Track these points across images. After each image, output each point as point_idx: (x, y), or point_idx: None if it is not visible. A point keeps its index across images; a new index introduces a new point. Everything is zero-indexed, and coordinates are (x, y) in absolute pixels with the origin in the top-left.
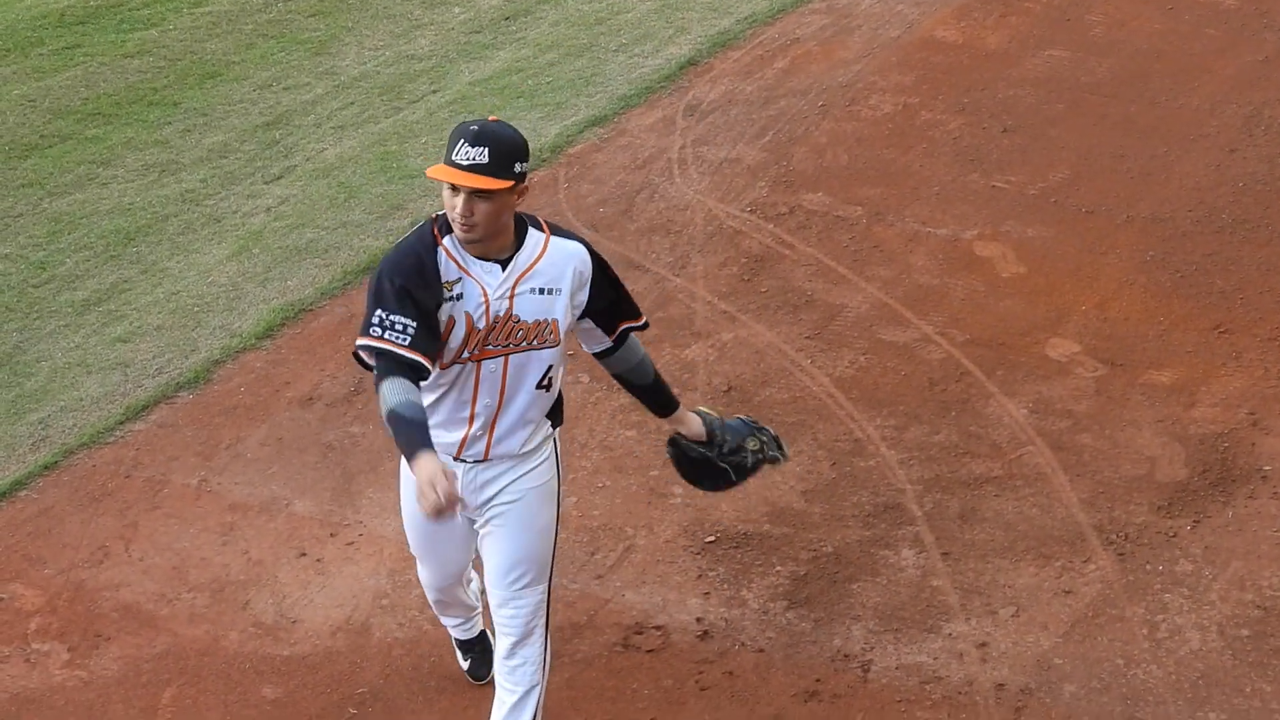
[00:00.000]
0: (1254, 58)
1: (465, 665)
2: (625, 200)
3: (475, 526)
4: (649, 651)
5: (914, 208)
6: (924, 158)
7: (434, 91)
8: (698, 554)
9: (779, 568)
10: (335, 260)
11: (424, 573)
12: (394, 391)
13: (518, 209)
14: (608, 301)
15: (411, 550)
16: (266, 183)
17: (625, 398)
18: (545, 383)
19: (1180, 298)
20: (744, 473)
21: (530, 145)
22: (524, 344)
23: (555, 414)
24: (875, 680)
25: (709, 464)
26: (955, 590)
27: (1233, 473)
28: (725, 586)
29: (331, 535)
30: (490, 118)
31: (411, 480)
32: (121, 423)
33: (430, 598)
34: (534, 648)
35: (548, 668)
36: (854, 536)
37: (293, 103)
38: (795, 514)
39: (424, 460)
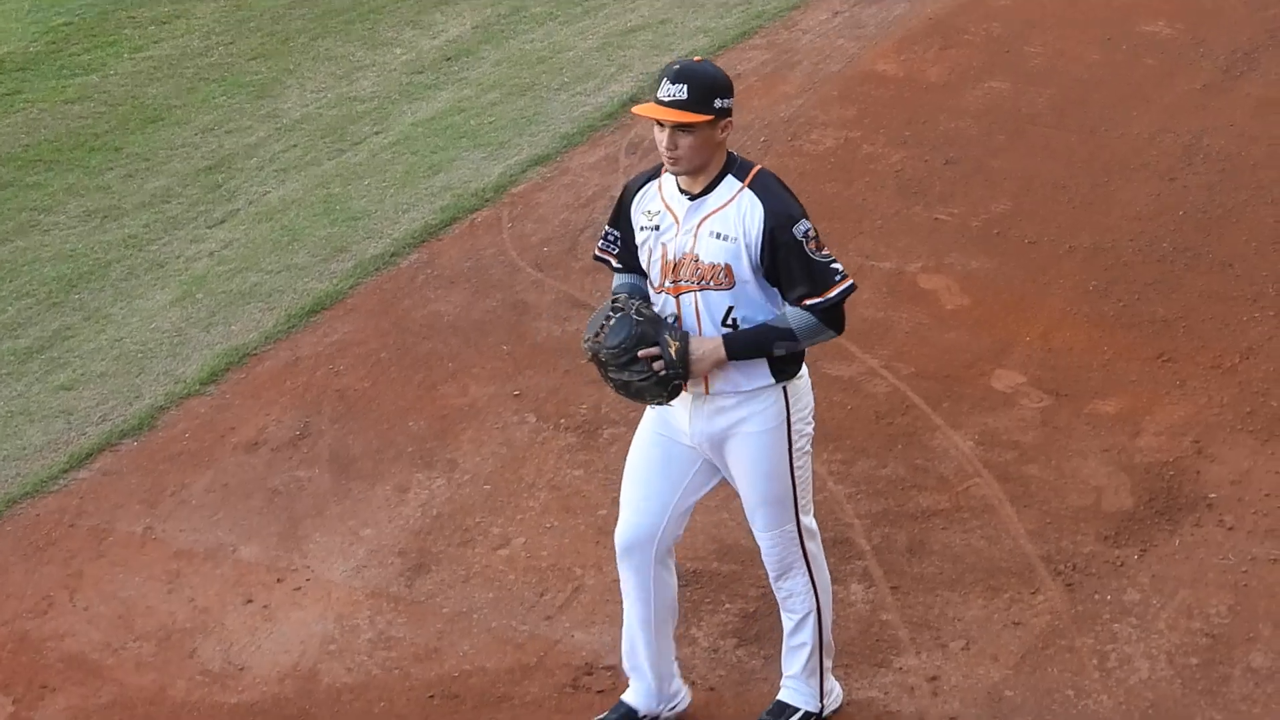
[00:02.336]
0: (1191, 86)
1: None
2: (569, 239)
3: (721, 469)
4: (599, 692)
5: (857, 241)
6: (867, 191)
7: (377, 133)
8: None
9: (728, 605)
10: (279, 304)
11: (618, 523)
12: (615, 283)
13: (728, 146)
14: (780, 270)
15: (621, 495)
16: (209, 227)
17: (573, 437)
18: (730, 322)
19: (1123, 327)
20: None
21: (472, 186)
22: (705, 283)
23: (778, 368)
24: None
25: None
26: (905, 624)
27: (1179, 501)
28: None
29: (278, 581)
30: (695, 58)
31: (650, 411)
32: (65, 471)
33: (621, 578)
34: (796, 580)
35: (821, 595)
36: None
37: (235, 146)
38: (743, 551)
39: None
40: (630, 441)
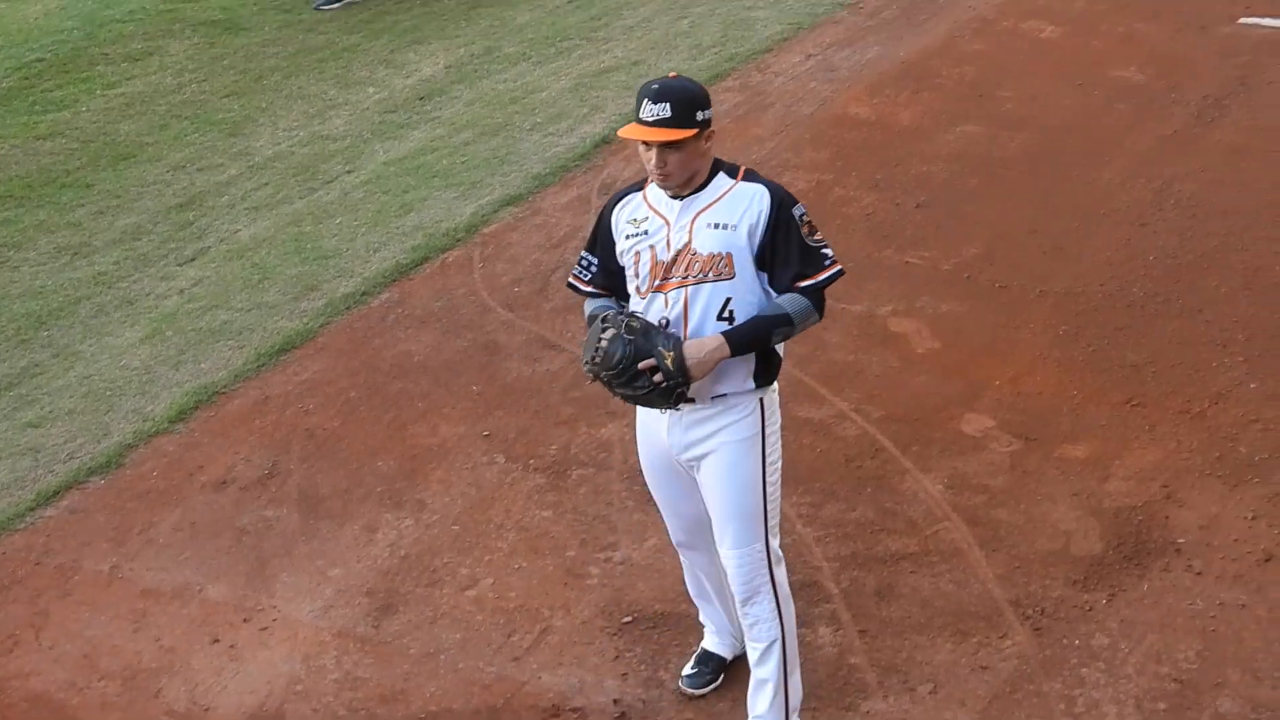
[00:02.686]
0: (1163, 132)
1: (685, 668)
2: (540, 279)
3: (694, 475)
4: None
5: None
6: (838, 234)
7: (349, 171)
8: (615, 635)
9: (696, 648)
10: (249, 342)
11: (670, 527)
12: (588, 307)
13: (713, 154)
14: (778, 255)
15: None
16: (180, 264)
17: (542, 478)
18: (727, 315)
19: (1093, 371)
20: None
21: (444, 225)
22: (701, 276)
23: (761, 372)
24: None
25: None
26: (873, 668)
27: (1147, 546)
28: (643, 667)
29: (245, 620)
30: (670, 74)
31: (644, 427)
32: (32, 509)
33: (682, 560)
34: (762, 605)
35: (787, 623)
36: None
37: (206, 184)
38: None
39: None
40: (599, 483)
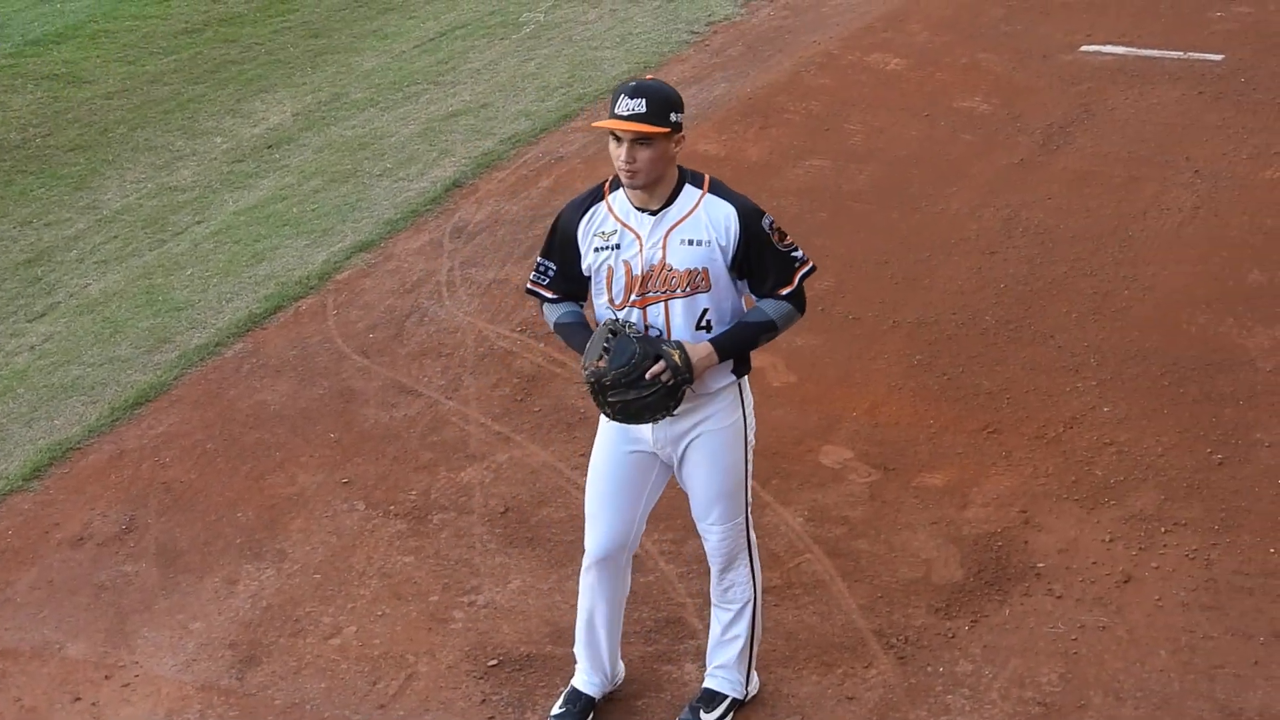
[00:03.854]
0: (1009, 161)
1: (554, 708)
2: (395, 325)
3: (674, 468)
4: None
5: None
6: None
7: (198, 222)
8: (481, 678)
9: (563, 689)
10: (102, 397)
11: (591, 536)
12: (550, 313)
13: (679, 162)
14: (755, 267)
15: (587, 511)
16: (29, 320)
17: (403, 524)
18: (705, 324)
19: (948, 400)
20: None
21: (296, 274)
22: (679, 290)
23: (740, 363)
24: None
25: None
26: (739, 702)
27: (1008, 571)
28: (510, 710)
29: (106, 678)
30: (648, 76)
31: (606, 428)
32: None
33: (586, 581)
34: (740, 571)
35: (758, 585)
36: (636, 653)
37: (54, 238)
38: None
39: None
40: (460, 527)
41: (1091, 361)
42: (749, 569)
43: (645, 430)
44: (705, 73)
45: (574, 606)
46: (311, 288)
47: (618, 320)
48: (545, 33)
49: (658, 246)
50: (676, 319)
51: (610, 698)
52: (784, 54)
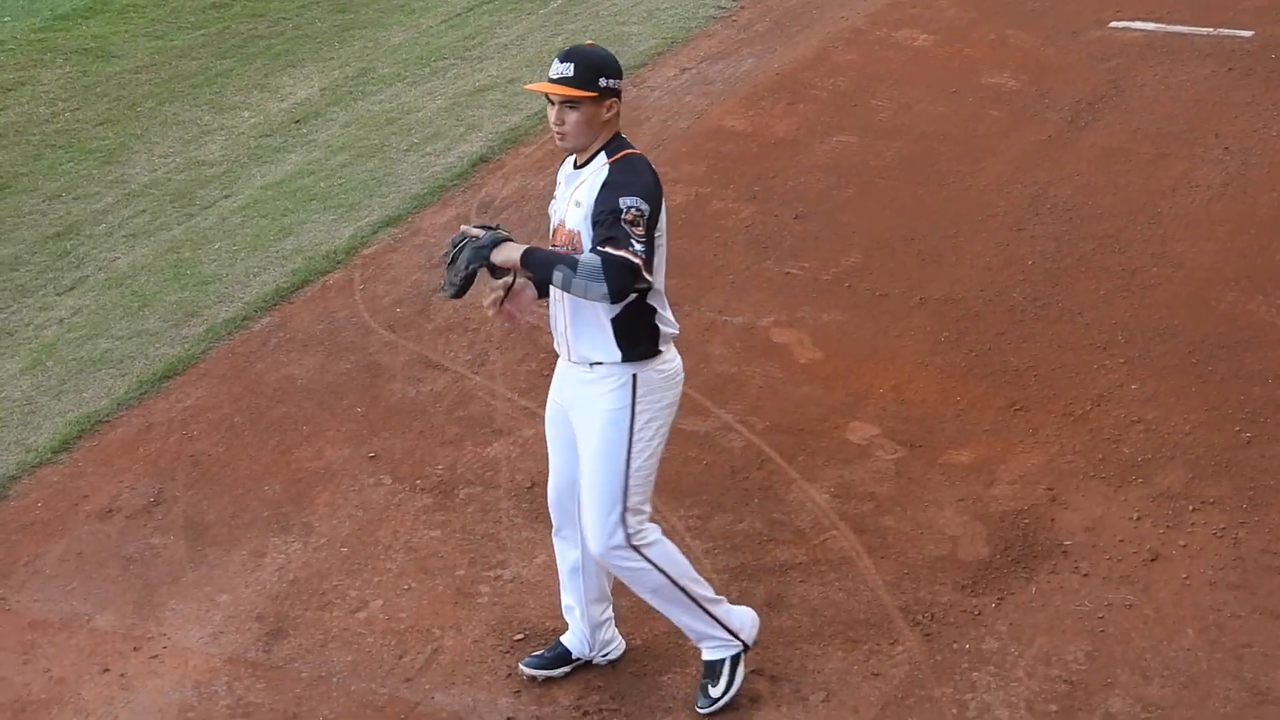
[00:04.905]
0: (1037, 137)
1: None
2: (421, 300)
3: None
4: None
5: (709, 297)
6: (717, 247)
7: (226, 196)
8: (507, 652)
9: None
10: (131, 370)
11: (549, 482)
12: None
13: (619, 130)
14: (597, 228)
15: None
16: (59, 294)
17: (429, 498)
18: None
19: (975, 377)
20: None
21: (323, 248)
22: (564, 249)
23: (625, 346)
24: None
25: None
26: (764, 678)
27: (1034, 549)
28: (536, 684)
29: (135, 649)
30: (587, 42)
31: (556, 374)
32: None
33: (557, 558)
34: (620, 567)
35: (666, 564)
36: (661, 628)
37: (83, 212)
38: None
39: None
40: (486, 502)
41: (1119, 339)
42: (635, 563)
43: (556, 386)
44: (732, 48)
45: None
46: (339, 262)
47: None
48: (572, 7)
49: (565, 202)
50: None
51: (638, 674)
52: (811, 30)
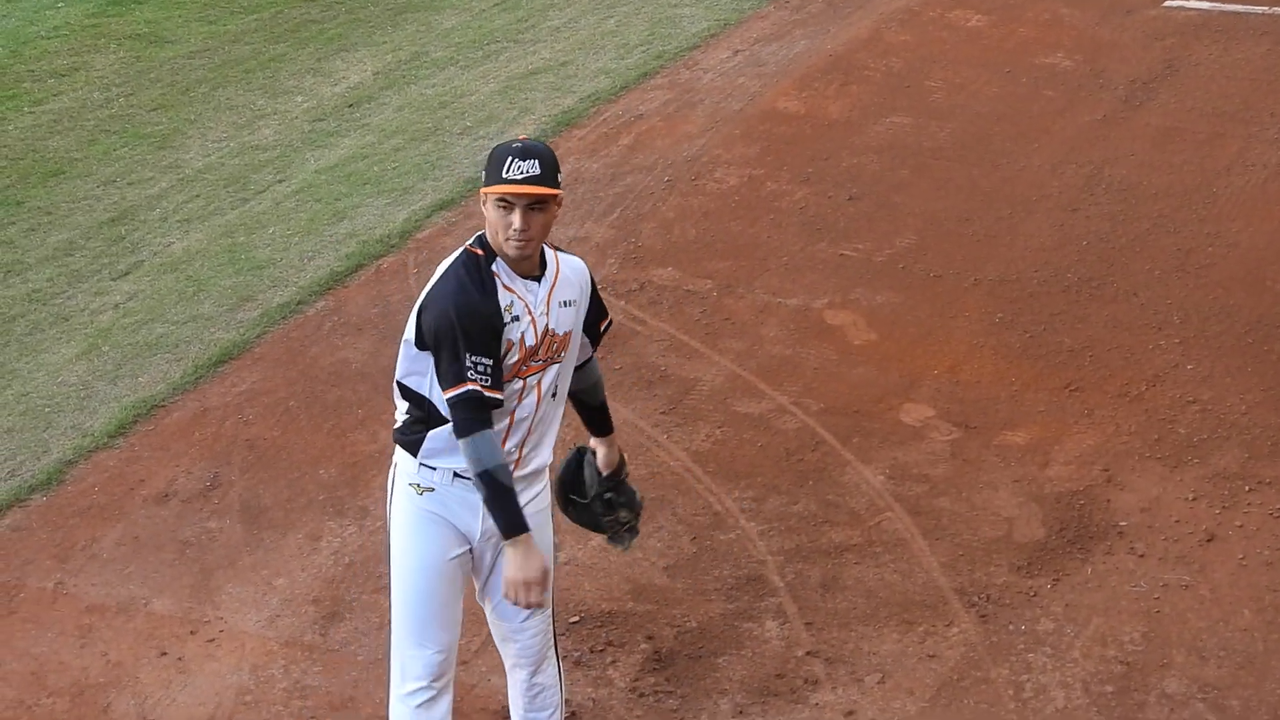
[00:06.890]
0: (1091, 117)
1: None
2: None
3: (484, 566)
4: None
5: (763, 279)
6: (771, 229)
7: (280, 181)
8: (562, 635)
9: (644, 645)
10: (186, 355)
11: (427, 649)
12: (486, 450)
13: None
14: (594, 313)
15: (412, 625)
16: (114, 279)
17: None
18: (554, 390)
19: (1030, 358)
20: (600, 529)
21: (377, 232)
22: (558, 356)
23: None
24: None
25: (586, 507)
26: (820, 660)
27: (1090, 530)
28: (591, 666)
29: (192, 633)
30: (520, 137)
31: (426, 519)
32: None
33: (422, 696)
34: (549, 672)
35: (564, 686)
36: (717, 610)
37: (138, 198)
38: (658, 590)
39: (532, 548)
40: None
41: (1175, 319)
42: (556, 670)
43: (474, 525)
44: (785, 29)
45: (654, 564)
46: (393, 246)
47: (584, 448)
48: None
49: (544, 313)
50: (545, 384)
51: (694, 655)
52: (864, 10)
